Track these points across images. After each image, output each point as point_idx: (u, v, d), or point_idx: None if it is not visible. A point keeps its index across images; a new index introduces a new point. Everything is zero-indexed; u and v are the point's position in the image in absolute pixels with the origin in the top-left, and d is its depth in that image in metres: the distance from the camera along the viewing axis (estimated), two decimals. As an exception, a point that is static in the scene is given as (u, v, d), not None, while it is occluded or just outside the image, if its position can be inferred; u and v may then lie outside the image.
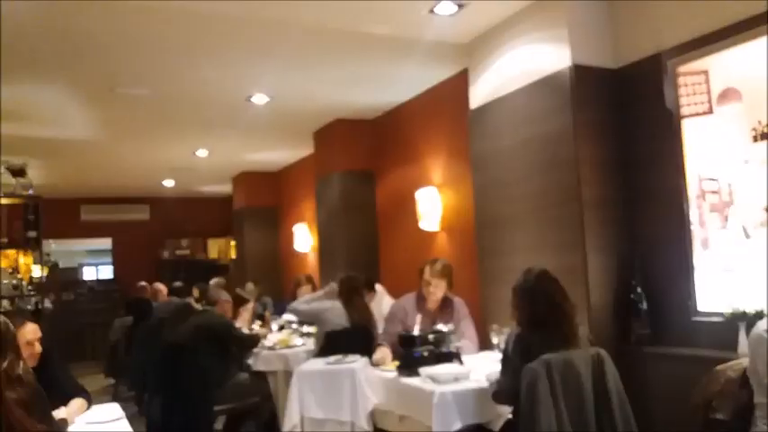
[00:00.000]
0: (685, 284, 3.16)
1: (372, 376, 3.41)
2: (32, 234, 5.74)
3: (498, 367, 2.86)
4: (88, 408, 2.67)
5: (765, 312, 2.71)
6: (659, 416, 3.10)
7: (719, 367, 2.24)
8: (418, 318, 3.65)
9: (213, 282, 6.45)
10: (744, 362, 2.35)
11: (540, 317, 2.71)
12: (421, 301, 3.83)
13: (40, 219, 5.75)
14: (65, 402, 2.52)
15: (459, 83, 4.66)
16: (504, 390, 2.76)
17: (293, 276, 7.11)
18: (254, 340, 4.73)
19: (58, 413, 2.37)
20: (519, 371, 2.58)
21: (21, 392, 1.66)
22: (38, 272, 6.51)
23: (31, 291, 5.96)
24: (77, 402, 2.58)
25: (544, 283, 2.78)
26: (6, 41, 3.83)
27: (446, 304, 3.82)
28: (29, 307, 5.74)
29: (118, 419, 2.63)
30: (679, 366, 3.04)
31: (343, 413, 3.32)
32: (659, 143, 3.30)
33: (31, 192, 5.86)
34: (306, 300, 4.80)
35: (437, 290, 3.77)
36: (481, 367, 3.19)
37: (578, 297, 3.34)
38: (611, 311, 3.39)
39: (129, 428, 2.50)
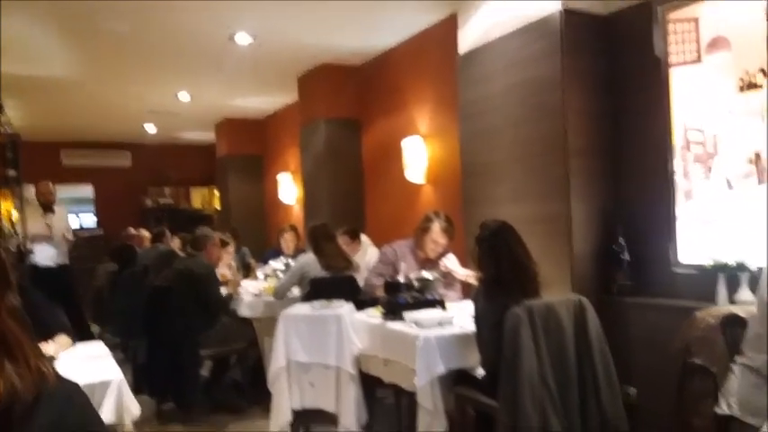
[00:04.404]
0: (667, 236, 3.20)
1: (358, 322, 3.45)
2: (12, 173, 5.61)
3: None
4: (73, 345, 2.68)
5: (745, 264, 2.77)
6: (638, 363, 3.19)
7: (699, 313, 2.29)
8: (404, 265, 3.70)
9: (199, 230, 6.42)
10: (723, 309, 2.41)
11: (504, 273, 2.73)
12: (416, 249, 3.88)
13: (19, 157, 5.60)
14: (48, 339, 2.52)
15: (448, 29, 4.57)
16: (487, 352, 2.80)
17: (278, 227, 7.10)
18: (223, 305, 4.66)
19: (45, 349, 2.37)
20: (495, 328, 2.62)
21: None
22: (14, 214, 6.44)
23: (12, 233, 5.90)
24: (62, 339, 2.58)
25: (506, 237, 2.79)
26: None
27: (440, 255, 3.87)
28: (12, 249, 5.69)
29: (103, 356, 2.64)
30: (659, 316, 3.11)
31: (328, 358, 3.37)
32: (647, 92, 3.29)
33: (8, 129, 5.69)
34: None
35: (441, 246, 3.85)
36: (464, 314, 3.24)
37: (561, 247, 3.39)
38: (593, 261, 3.44)
39: (115, 364, 2.52)
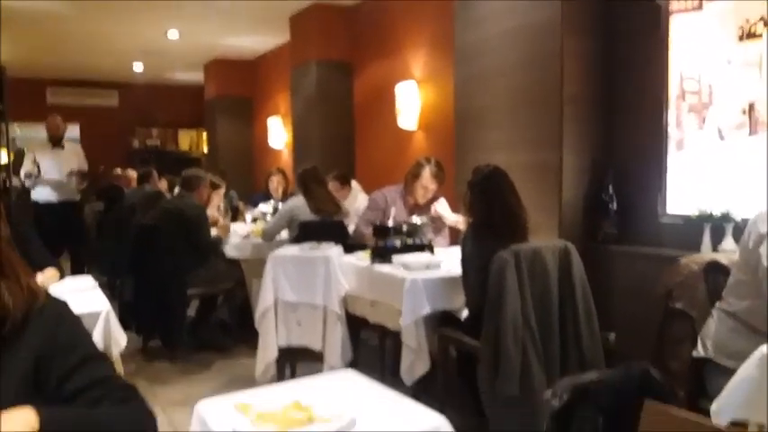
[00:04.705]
0: (656, 186, 3.21)
1: (346, 264, 3.47)
2: (-2, 106, 5.47)
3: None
4: (61, 278, 2.68)
5: (731, 214, 2.80)
6: (620, 310, 3.24)
7: (683, 260, 2.32)
8: (393, 210, 3.70)
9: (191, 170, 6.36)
10: (706, 256, 2.44)
11: (494, 218, 2.75)
12: (406, 195, 3.88)
13: (4, 89, 5.44)
14: (37, 272, 2.52)
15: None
16: (473, 294, 2.83)
17: (266, 171, 7.05)
18: (213, 248, 4.67)
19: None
20: (481, 270, 2.64)
21: None
22: (4, 157, 6.34)
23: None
24: (50, 271, 2.58)
25: (498, 182, 2.80)
26: None
27: (430, 201, 3.88)
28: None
29: (91, 288, 2.65)
30: (643, 265, 3.14)
31: (316, 297, 3.39)
32: (645, 39, 3.24)
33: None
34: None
35: (431, 192, 3.85)
36: (452, 259, 3.27)
37: (550, 194, 3.40)
38: (581, 210, 3.45)
39: (102, 296, 2.53)
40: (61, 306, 1.10)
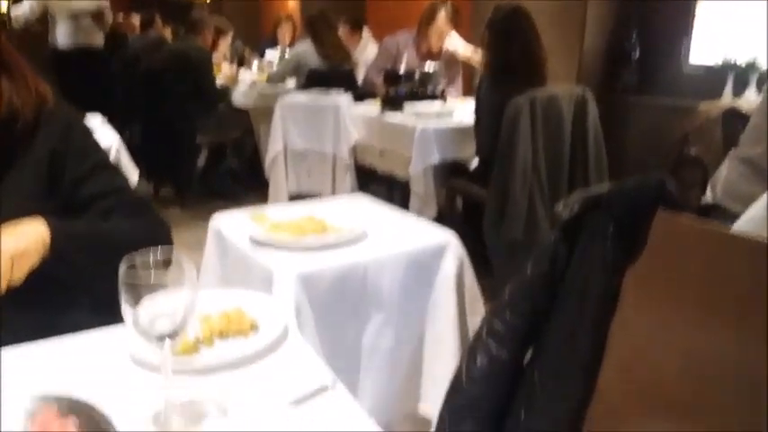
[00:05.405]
0: (682, 34, 3.06)
1: (355, 115, 3.41)
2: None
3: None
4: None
5: (756, 64, 2.68)
6: (633, 160, 3.22)
7: (703, 106, 2.26)
8: (406, 57, 3.58)
9: (196, 13, 6.08)
10: (726, 103, 2.37)
11: (512, 59, 2.63)
12: (419, 42, 3.71)
13: None
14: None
15: None
16: (484, 140, 2.78)
17: (273, 18, 6.74)
18: (220, 96, 4.54)
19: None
20: (495, 115, 2.58)
21: None
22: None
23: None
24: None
25: (520, 21, 2.64)
26: None
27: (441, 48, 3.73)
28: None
29: (100, 125, 2.64)
30: (661, 115, 3.08)
31: (325, 146, 3.38)
32: None
33: None
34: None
35: (445, 36, 3.65)
36: (463, 108, 3.21)
37: (572, 41, 3.25)
38: (602, 58, 3.32)
39: (113, 132, 2.52)
40: (72, 112, 1.09)
